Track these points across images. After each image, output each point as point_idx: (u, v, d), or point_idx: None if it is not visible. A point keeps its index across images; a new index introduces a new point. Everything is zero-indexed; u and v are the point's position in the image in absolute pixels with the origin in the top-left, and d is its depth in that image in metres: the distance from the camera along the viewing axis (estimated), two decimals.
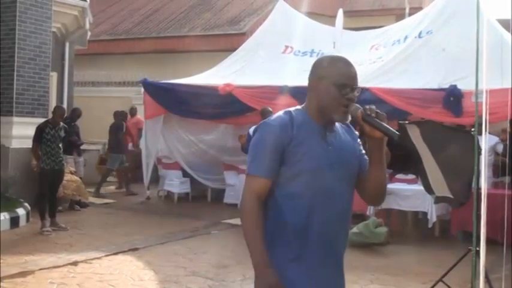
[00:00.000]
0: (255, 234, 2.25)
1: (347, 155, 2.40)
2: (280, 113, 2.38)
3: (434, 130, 5.06)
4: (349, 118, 2.34)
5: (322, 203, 2.30)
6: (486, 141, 5.32)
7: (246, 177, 2.34)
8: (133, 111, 14.12)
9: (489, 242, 4.65)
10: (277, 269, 2.24)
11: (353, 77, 2.35)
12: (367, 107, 2.27)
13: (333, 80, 2.32)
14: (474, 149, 4.74)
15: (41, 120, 9.35)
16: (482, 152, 5.01)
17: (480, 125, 4.68)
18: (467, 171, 4.95)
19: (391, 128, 2.24)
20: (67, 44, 13.33)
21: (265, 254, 2.22)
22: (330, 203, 2.32)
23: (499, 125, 8.66)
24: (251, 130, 8.81)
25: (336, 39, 10.70)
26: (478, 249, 4.76)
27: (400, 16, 15.84)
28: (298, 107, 2.44)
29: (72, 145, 10.78)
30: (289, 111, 2.38)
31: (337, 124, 2.43)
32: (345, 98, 2.30)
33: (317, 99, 2.36)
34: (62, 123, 8.86)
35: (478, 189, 4.85)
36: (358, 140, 2.49)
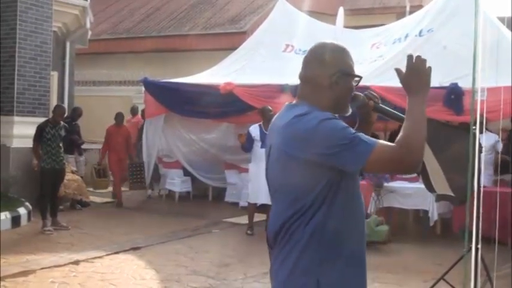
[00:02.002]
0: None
1: None
2: (305, 108, 2.15)
3: (435, 128, 5.05)
4: (350, 110, 2.30)
5: (358, 204, 2.24)
6: (482, 139, 5.32)
7: (374, 151, 2.02)
8: (134, 111, 14.11)
9: (490, 240, 4.65)
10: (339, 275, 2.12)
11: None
12: (368, 93, 2.27)
13: (350, 71, 2.24)
14: (473, 147, 4.74)
15: (42, 119, 9.36)
16: (483, 150, 5.01)
17: (481, 123, 4.68)
18: (468, 169, 4.94)
19: (398, 113, 2.28)
20: (68, 44, 13.32)
21: None
22: (360, 203, 2.25)
23: (498, 124, 8.67)
24: (251, 129, 8.82)
25: (336, 38, 10.68)
26: (478, 247, 4.76)
27: (400, 14, 15.81)
28: (300, 104, 2.22)
29: (73, 144, 10.78)
30: (309, 108, 2.16)
31: None
32: (354, 91, 2.27)
33: (334, 93, 2.20)
34: (62, 123, 8.87)
35: (478, 187, 4.85)
36: None
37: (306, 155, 2.09)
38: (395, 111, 2.28)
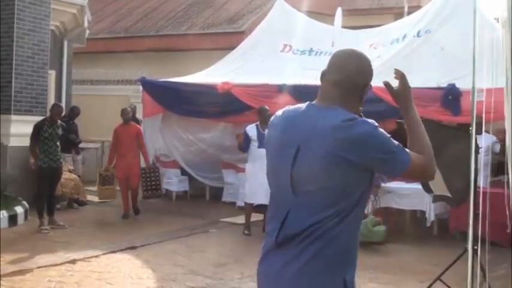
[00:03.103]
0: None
1: None
2: (346, 112, 2.21)
3: (432, 129, 5.05)
4: None
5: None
6: (478, 140, 5.32)
7: (413, 161, 2.20)
8: (133, 110, 14.09)
9: (488, 240, 4.65)
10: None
11: None
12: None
13: (371, 82, 2.37)
14: (470, 148, 4.74)
15: (39, 118, 9.35)
16: (481, 151, 5.02)
17: (478, 124, 4.69)
18: (465, 170, 4.95)
19: None
20: (65, 42, 13.32)
21: None
22: None
23: (498, 124, 8.67)
24: (248, 129, 8.81)
25: (334, 38, 10.71)
26: (475, 247, 4.77)
27: (398, 15, 15.83)
28: (333, 106, 2.25)
29: (71, 143, 10.78)
30: (373, 124, 2.21)
31: None
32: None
33: (358, 103, 2.33)
34: (59, 122, 8.86)
35: (476, 187, 4.86)
36: None
37: (361, 158, 2.16)
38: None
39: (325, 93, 2.31)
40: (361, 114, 2.31)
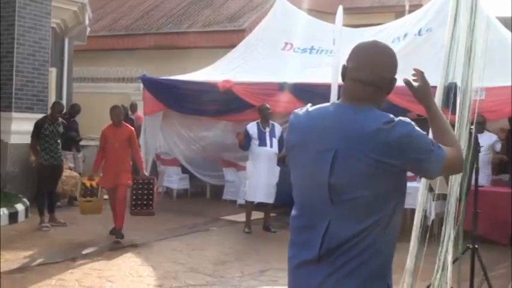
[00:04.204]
0: None
1: None
2: (384, 113, 2.14)
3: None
4: None
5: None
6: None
7: (448, 156, 2.15)
8: (133, 108, 14.10)
9: (489, 239, 4.65)
10: None
11: None
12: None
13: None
14: (471, 147, 4.74)
15: (40, 115, 9.35)
16: (482, 149, 5.01)
17: (479, 123, 4.69)
18: (466, 169, 4.95)
19: None
20: (66, 40, 13.32)
21: None
22: None
23: (499, 123, 8.68)
24: (248, 127, 8.81)
25: (335, 37, 10.67)
26: (476, 246, 4.77)
27: (399, 13, 15.82)
28: (369, 106, 2.16)
29: (71, 141, 10.77)
30: (389, 115, 2.14)
31: None
32: None
33: (385, 97, 2.27)
34: (60, 119, 8.87)
35: (476, 186, 4.85)
36: None
37: (403, 160, 2.09)
38: None
39: (355, 92, 2.18)
40: None
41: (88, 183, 8.23)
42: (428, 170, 2.17)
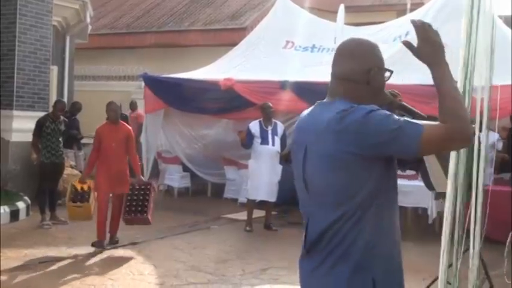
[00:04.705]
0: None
1: None
2: (348, 104, 2.09)
3: None
4: None
5: (396, 206, 2.26)
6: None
7: (425, 131, 1.96)
8: (133, 106, 14.11)
9: (490, 239, 4.64)
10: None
11: None
12: (391, 91, 2.30)
13: (381, 66, 2.20)
14: (473, 146, 4.73)
15: (41, 114, 9.36)
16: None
17: (481, 122, 4.68)
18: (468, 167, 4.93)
19: (419, 112, 2.24)
20: (68, 38, 13.32)
21: None
22: (397, 205, 2.28)
23: (500, 122, 8.64)
24: (251, 125, 8.81)
25: (337, 35, 10.68)
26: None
27: (401, 12, 15.79)
28: (339, 100, 2.14)
29: (72, 139, 10.78)
30: (372, 108, 2.05)
31: None
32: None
33: (372, 89, 2.16)
34: (62, 117, 8.87)
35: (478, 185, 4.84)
36: None
37: (362, 148, 2.01)
38: (416, 110, 2.30)
39: (330, 87, 2.22)
40: (398, 100, 2.24)
41: (79, 187, 7.61)
42: (403, 150, 2.01)
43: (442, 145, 2.03)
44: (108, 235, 7.40)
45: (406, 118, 2.03)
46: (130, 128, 7.69)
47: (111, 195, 7.46)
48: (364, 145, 2.00)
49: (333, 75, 2.22)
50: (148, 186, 7.65)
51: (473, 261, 4.12)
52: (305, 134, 2.18)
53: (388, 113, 2.02)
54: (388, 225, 2.17)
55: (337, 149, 2.03)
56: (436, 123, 1.99)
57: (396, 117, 2.01)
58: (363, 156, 2.03)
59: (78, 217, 7.77)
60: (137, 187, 7.56)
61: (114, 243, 7.44)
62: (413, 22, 2.10)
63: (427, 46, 2.08)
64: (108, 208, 7.36)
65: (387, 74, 2.23)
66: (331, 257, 2.10)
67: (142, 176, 8.44)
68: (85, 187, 7.60)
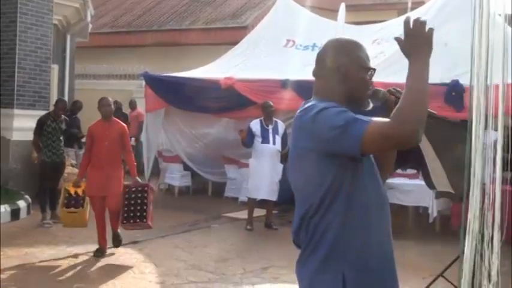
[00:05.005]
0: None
1: None
2: (314, 102, 2.14)
3: (436, 125, 5.04)
4: (371, 104, 2.24)
5: (382, 205, 2.21)
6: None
7: (368, 129, 1.97)
8: (132, 104, 14.11)
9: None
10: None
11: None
12: (392, 89, 2.21)
13: (361, 63, 2.20)
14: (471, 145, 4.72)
15: (42, 112, 9.36)
16: (486, 147, 4.99)
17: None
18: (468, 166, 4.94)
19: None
20: (68, 37, 13.32)
21: None
22: (385, 202, 2.22)
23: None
24: (252, 124, 8.81)
25: (337, 34, 10.66)
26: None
27: (402, 11, 15.78)
28: (313, 100, 2.19)
29: (73, 138, 10.78)
30: (326, 105, 2.10)
31: None
32: (370, 83, 2.22)
33: (346, 87, 2.15)
34: (63, 116, 8.87)
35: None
36: None
37: (314, 144, 2.06)
38: None
39: (313, 87, 2.27)
40: (397, 97, 2.17)
41: (72, 191, 7.07)
42: (345, 148, 2.00)
43: (383, 143, 1.99)
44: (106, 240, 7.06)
45: (361, 116, 2.02)
46: (125, 125, 7.17)
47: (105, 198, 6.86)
48: (315, 141, 2.06)
49: (312, 74, 2.29)
50: (146, 188, 7.04)
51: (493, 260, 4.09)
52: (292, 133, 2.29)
53: (340, 110, 2.04)
54: (364, 222, 2.13)
55: (298, 146, 2.14)
56: (386, 120, 1.99)
57: (348, 114, 2.02)
58: (318, 152, 2.07)
59: (73, 224, 7.29)
60: (133, 189, 6.94)
61: (117, 242, 7.05)
62: (405, 22, 2.10)
63: (409, 40, 2.08)
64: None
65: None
66: (306, 249, 2.16)
67: (141, 175, 8.15)
68: (79, 191, 7.06)
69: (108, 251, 7.06)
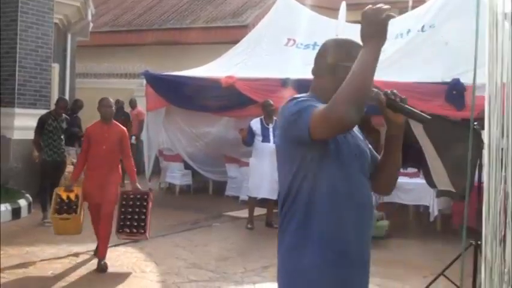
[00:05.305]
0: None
1: (362, 145, 2.29)
2: (298, 98, 2.21)
3: (437, 124, 5.04)
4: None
5: (354, 196, 2.20)
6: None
7: (312, 114, 2.05)
8: (133, 103, 14.12)
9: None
10: (312, 270, 2.15)
11: None
12: (389, 91, 2.18)
13: (346, 61, 2.18)
14: (475, 144, 4.73)
15: (43, 111, 9.37)
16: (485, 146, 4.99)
17: (483, 119, 4.67)
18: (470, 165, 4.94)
19: (420, 112, 2.13)
20: (69, 36, 13.34)
21: None
22: (361, 196, 2.22)
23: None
24: (252, 123, 8.81)
25: (338, 32, 10.66)
26: (479, 242, 4.75)
27: (403, 9, 15.75)
28: (304, 95, 2.26)
29: (74, 137, 10.78)
30: (304, 97, 2.20)
31: None
32: None
33: (335, 85, 2.08)
34: (64, 115, 8.88)
35: (480, 183, 4.84)
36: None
37: (280, 133, 2.25)
38: (414, 110, 2.16)
39: (310, 85, 2.38)
40: (393, 99, 2.15)
41: (64, 196, 6.48)
42: (299, 133, 2.09)
43: (323, 126, 2.04)
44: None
45: (318, 104, 2.09)
46: (124, 129, 6.66)
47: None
48: (281, 130, 2.22)
49: (311, 73, 2.38)
50: (146, 196, 6.49)
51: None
52: None
53: (305, 99, 2.15)
54: (329, 213, 2.16)
55: (277, 139, 2.32)
56: (323, 106, 2.07)
57: (307, 103, 2.12)
58: (284, 141, 2.21)
59: (66, 231, 6.68)
60: (132, 196, 6.46)
61: (102, 269, 6.19)
62: (363, 11, 2.10)
63: (363, 26, 2.10)
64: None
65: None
66: (278, 237, 2.27)
67: (140, 176, 7.90)
68: (72, 196, 6.47)
69: (109, 250, 7.05)
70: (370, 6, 2.07)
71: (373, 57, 2.04)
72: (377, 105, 2.22)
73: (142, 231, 6.38)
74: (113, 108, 6.60)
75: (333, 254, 2.15)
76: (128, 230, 6.39)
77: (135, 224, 6.39)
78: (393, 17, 2.04)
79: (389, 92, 2.19)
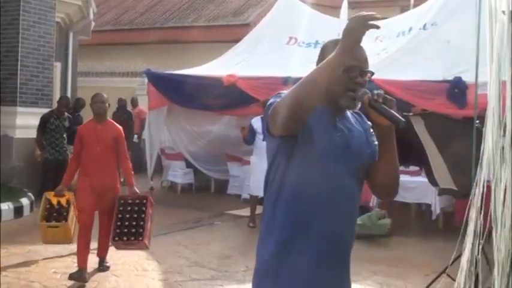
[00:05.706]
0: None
1: (356, 145, 2.21)
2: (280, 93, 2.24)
3: (439, 122, 5.05)
4: (358, 105, 2.17)
5: (327, 194, 2.15)
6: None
7: (273, 108, 2.13)
8: (134, 102, 14.13)
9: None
10: (270, 260, 2.18)
11: (363, 59, 2.19)
12: (375, 92, 2.13)
13: (349, 62, 2.14)
14: (478, 142, 4.73)
15: (45, 110, 9.39)
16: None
17: (484, 117, 4.67)
18: (471, 164, 4.94)
19: (397, 115, 2.09)
20: (71, 34, 13.34)
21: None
22: (337, 196, 2.17)
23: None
24: (253, 121, 8.81)
25: (340, 31, 10.65)
26: (480, 242, 4.75)
27: (404, 8, 15.77)
28: None
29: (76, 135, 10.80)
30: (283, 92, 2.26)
31: (348, 112, 2.26)
32: (353, 82, 2.13)
33: (332, 84, 2.10)
34: (66, 114, 8.89)
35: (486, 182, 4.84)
36: (371, 130, 2.31)
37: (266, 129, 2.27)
38: (389, 110, 2.10)
39: None
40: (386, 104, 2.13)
41: (55, 201, 5.98)
42: (269, 126, 2.18)
43: (275, 119, 2.10)
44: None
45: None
46: (120, 128, 6.03)
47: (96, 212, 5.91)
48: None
49: None
50: (145, 201, 5.89)
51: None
52: None
53: (279, 95, 2.18)
54: (296, 212, 2.16)
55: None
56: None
57: (275, 99, 2.16)
58: (269, 135, 2.23)
59: (54, 240, 6.14)
60: (130, 201, 5.87)
61: (104, 269, 6.07)
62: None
63: (347, 28, 2.10)
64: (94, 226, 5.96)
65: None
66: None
67: (142, 174, 7.58)
68: (63, 201, 5.96)
69: (111, 248, 7.06)
70: (362, 12, 2.08)
71: (333, 60, 2.02)
72: (363, 105, 2.19)
73: (141, 238, 5.72)
74: (107, 104, 5.94)
75: (288, 252, 2.17)
76: (126, 238, 5.75)
77: (133, 231, 5.74)
78: (376, 27, 2.07)
79: (375, 92, 2.14)
